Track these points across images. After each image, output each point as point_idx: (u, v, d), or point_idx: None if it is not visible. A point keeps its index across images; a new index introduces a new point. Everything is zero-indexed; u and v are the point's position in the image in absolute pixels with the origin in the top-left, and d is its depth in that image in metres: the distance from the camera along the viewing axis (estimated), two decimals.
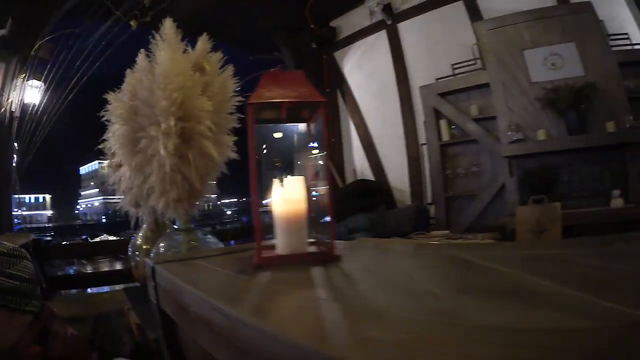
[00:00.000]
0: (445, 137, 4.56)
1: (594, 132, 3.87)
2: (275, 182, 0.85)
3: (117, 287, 3.28)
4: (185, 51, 1.45)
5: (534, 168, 4.00)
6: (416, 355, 0.34)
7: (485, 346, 0.35)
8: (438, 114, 4.61)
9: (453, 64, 4.60)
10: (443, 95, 4.58)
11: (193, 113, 1.35)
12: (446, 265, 0.77)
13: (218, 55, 1.50)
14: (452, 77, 4.60)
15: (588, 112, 3.90)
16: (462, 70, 4.57)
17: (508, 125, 4.19)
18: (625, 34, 4.18)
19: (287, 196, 0.84)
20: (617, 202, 3.67)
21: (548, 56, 4.24)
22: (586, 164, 3.91)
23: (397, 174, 5.08)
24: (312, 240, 0.90)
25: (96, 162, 59.41)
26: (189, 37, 1.46)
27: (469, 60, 4.56)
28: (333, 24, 5.68)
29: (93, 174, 64.25)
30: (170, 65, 1.33)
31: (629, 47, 4.10)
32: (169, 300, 0.80)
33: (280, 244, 0.85)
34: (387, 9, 5.24)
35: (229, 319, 0.51)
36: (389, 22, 5.21)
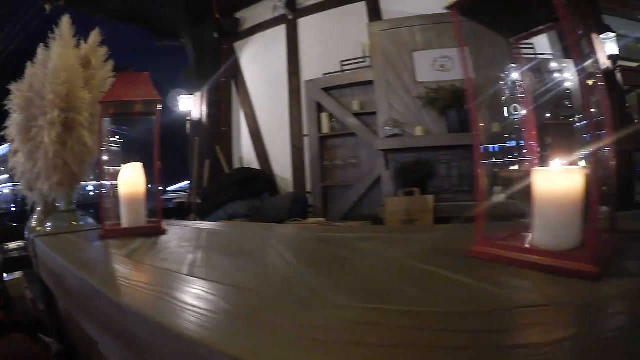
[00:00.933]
0: (325, 129, 4.43)
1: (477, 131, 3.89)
2: (122, 168, 0.99)
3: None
4: (78, 44, 1.57)
5: (410, 162, 3.92)
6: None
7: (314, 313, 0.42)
8: (320, 108, 4.48)
9: (342, 61, 4.48)
10: (327, 89, 4.45)
11: (75, 104, 1.46)
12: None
13: (104, 49, 1.64)
14: (340, 73, 4.47)
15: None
16: (350, 67, 4.46)
17: (386, 121, 4.11)
18: (531, 43, 4.35)
19: (128, 180, 0.99)
20: (498, 197, 3.56)
21: (438, 58, 4.22)
22: (467, 161, 3.89)
23: (281, 163, 4.90)
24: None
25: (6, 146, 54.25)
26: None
27: (358, 58, 4.43)
28: (239, 15, 5.37)
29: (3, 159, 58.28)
30: (59, 61, 1.45)
31: (532, 56, 4.14)
32: (45, 268, 0.96)
33: (124, 219, 1.03)
34: (291, 4, 5.16)
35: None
36: (290, 17, 4.96)
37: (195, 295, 0.48)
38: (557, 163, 0.63)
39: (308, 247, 0.89)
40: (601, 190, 0.66)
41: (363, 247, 0.80)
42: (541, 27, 0.78)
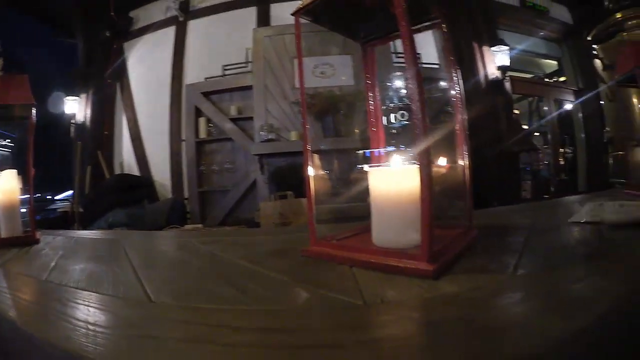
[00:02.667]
0: (203, 134, 4.24)
1: (352, 135, 3.84)
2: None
3: None
4: None
5: (284, 166, 3.84)
6: None
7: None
8: (199, 112, 4.30)
9: (224, 65, 4.35)
10: (207, 94, 4.30)
11: None
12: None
13: None
14: (221, 78, 4.33)
15: (351, 117, 3.87)
16: (232, 72, 4.33)
17: (261, 126, 3.97)
18: (418, 53, 4.31)
19: (1, 188, 0.97)
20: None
21: (319, 65, 4.14)
22: (344, 165, 3.81)
23: (161, 169, 4.66)
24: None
25: None
26: None
27: (240, 63, 4.31)
28: (133, 13, 5.07)
29: None
30: None
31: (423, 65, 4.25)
32: None
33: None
34: (184, 5, 5.00)
35: None
36: (181, 19, 4.84)
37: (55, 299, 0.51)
38: (396, 162, 0.61)
39: (155, 252, 0.92)
40: (452, 188, 0.80)
41: (204, 250, 0.82)
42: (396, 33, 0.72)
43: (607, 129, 4.24)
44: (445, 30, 0.76)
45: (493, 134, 4.23)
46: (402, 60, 4.28)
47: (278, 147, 3.84)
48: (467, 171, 0.81)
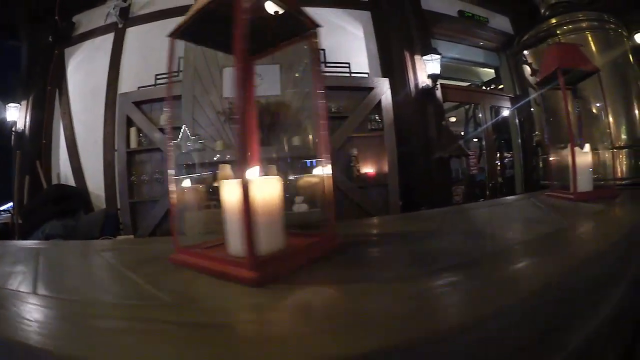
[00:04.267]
0: (133, 144, 4.26)
1: (278, 145, 3.90)
2: None
3: None
4: None
5: (210, 176, 3.86)
6: None
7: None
8: (130, 122, 4.29)
9: (157, 74, 4.35)
10: (139, 103, 4.28)
11: None
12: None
13: None
14: (154, 87, 4.32)
15: (275, 126, 3.93)
16: (164, 81, 4.32)
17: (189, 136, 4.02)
18: (347, 63, 4.38)
19: None
20: (300, 207, 3.57)
21: None
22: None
23: (95, 179, 4.64)
24: None
25: None
26: None
27: (173, 72, 4.36)
28: (76, 18, 5.05)
29: None
30: None
31: (347, 74, 4.37)
32: None
33: None
34: (125, 12, 5.00)
35: None
36: (120, 26, 4.89)
37: None
38: (254, 173, 0.67)
39: (60, 258, 0.97)
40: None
41: (100, 257, 0.91)
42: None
43: (537, 132, 4.35)
44: (316, 42, 0.83)
45: (423, 140, 4.32)
46: (331, 69, 4.37)
47: (204, 156, 3.89)
48: (328, 181, 0.84)
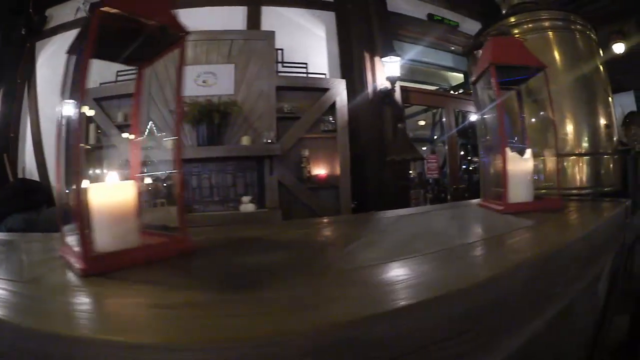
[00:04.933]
0: (92, 141, 4.32)
1: (230, 144, 4.00)
2: None
3: None
4: None
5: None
6: None
7: None
8: (90, 118, 4.34)
9: (118, 71, 4.36)
10: (99, 100, 4.32)
11: None
12: None
13: None
14: (114, 84, 4.35)
15: (226, 126, 4.01)
16: (125, 77, 4.31)
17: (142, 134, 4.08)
18: (305, 63, 4.39)
19: None
20: (247, 207, 3.69)
21: (202, 74, 4.22)
22: (220, 173, 4.01)
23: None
24: None
25: None
26: None
27: (131, 69, 4.38)
28: (49, 11, 5.11)
29: None
30: None
31: (304, 75, 4.37)
32: None
33: None
34: (94, 6, 5.04)
35: None
36: None
37: None
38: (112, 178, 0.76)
39: None
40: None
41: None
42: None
43: (487, 137, 4.30)
44: (183, 49, 0.89)
45: (378, 143, 4.30)
46: (288, 69, 4.36)
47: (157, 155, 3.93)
48: (179, 184, 0.91)
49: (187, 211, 3.85)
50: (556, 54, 3.19)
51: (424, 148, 5.36)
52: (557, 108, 3.05)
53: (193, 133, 3.99)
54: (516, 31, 3.64)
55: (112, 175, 0.77)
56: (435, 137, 5.12)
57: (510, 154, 1.27)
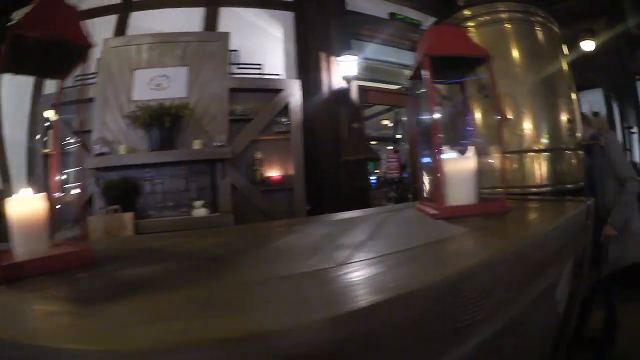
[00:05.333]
0: (50, 147, 4.35)
1: (182, 148, 3.98)
2: None
3: None
4: None
5: (114, 180, 3.93)
6: None
7: None
8: (50, 125, 4.36)
9: (77, 75, 4.45)
10: (56, 106, 4.36)
11: None
12: None
13: None
14: (71, 88, 4.41)
15: (179, 130, 4.00)
16: (82, 82, 4.38)
17: (96, 139, 4.08)
18: (259, 64, 4.38)
19: None
20: (199, 212, 3.75)
21: (156, 77, 4.22)
22: (173, 177, 4.01)
23: (20, 180, 4.59)
24: None
25: None
26: None
27: (89, 74, 4.40)
28: (16, 14, 5.34)
29: None
30: None
31: (259, 76, 4.35)
32: None
33: None
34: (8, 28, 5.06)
35: None
36: None
37: None
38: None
39: None
40: None
41: None
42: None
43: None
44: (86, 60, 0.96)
45: (333, 143, 4.29)
46: (243, 71, 4.36)
47: (109, 160, 3.95)
48: (82, 194, 1.02)
49: (142, 217, 3.90)
50: (514, 47, 2.81)
51: (390, 147, 5.33)
52: (514, 103, 2.64)
53: (145, 138, 3.98)
54: (471, 24, 3.38)
55: (25, 189, 0.83)
56: (398, 136, 5.08)
57: (449, 153, 1.18)
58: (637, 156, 5.43)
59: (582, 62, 5.05)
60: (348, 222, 1.30)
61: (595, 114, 4.66)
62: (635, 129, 5.32)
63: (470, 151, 1.17)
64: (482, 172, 1.35)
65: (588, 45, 5.00)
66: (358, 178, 4.22)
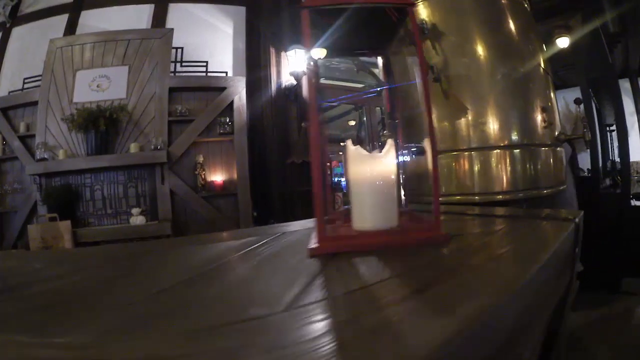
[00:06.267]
0: None
1: (119, 152, 3.87)
2: None
3: None
4: None
5: (54, 187, 3.88)
6: None
7: None
8: None
9: (25, 78, 4.26)
10: (5, 109, 4.23)
11: None
12: None
13: None
14: (21, 92, 4.26)
15: (116, 133, 3.89)
16: (32, 85, 4.24)
17: (38, 144, 3.96)
18: (205, 62, 4.19)
19: None
20: (136, 220, 3.60)
21: (97, 77, 4.08)
22: (112, 183, 3.91)
23: None
24: None
25: None
26: None
27: (37, 76, 4.21)
28: None
29: None
30: None
31: (203, 74, 4.18)
32: None
33: None
34: (14, 10, 4.99)
35: None
36: (8, 25, 4.93)
37: None
38: None
39: None
40: None
41: None
42: None
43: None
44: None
45: (282, 145, 4.07)
46: (187, 69, 4.16)
47: (49, 166, 3.85)
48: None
49: (82, 225, 3.79)
50: (472, 20, 2.17)
51: None
52: (473, 87, 2.00)
53: (84, 142, 3.85)
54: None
55: None
56: (359, 136, 4.81)
57: (351, 150, 0.74)
58: (616, 155, 5.01)
59: (558, 59, 4.65)
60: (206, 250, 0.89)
61: (578, 101, 4.29)
62: (614, 127, 4.89)
63: (388, 147, 0.74)
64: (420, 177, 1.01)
65: (563, 42, 4.60)
66: (304, 182, 3.97)
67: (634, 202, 4.29)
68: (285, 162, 3.96)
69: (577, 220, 0.85)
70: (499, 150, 1.99)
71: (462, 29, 2.21)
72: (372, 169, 0.73)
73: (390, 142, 0.75)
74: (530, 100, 2.29)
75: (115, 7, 4.50)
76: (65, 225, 3.65)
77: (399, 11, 0.88)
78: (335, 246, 0.68)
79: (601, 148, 5.05)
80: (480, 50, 2.16)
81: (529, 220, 1.01)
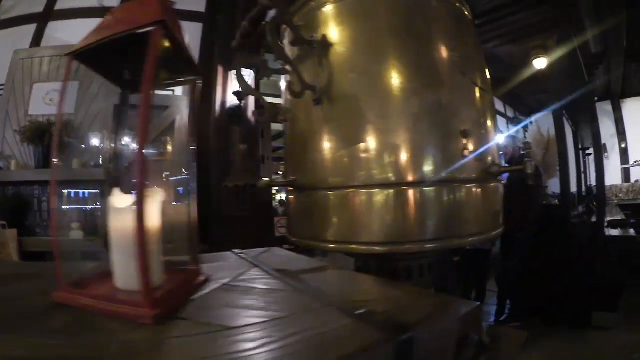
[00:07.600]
0: None
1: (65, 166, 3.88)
2: None
3: None
4: None
5: (8, 196, 4.04)
6: None
7: None
8: None
9: None
10: None
11: None
12: None
13: None
14: None
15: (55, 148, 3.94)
16: None
17: None
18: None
19: None
20: (75, 234, 3.68)
21: (50, 91, 4.21)
22: (57, 197, 3.89)
23: None
24: None
25: None
26: None
27: (1, 86, 4.40)
28: None
29: None
30: None
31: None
32: None
33: None
34: None
35: None
36: None
37: None
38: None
39: None
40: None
41: None
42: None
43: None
44: None
45: (223, 168, 4.06)
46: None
47: (1, 175, 4.03)
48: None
49: (28, 235, 3.94)
50: (385, 28, 1.13)
51: None
52: (372, 109, 1.13)
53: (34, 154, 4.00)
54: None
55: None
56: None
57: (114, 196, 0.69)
58: (593, 179, 4.67)
59: (535, 83, 4.36)
60: None
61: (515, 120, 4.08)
62: (591, 151, 4.55)
63: (158, 194, 0.66)
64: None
65: (540, 63, 4.30)
66: (238, 207, 3.94)
67: (609, 232, 4.01)
68: (226, 185, 3.94)
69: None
70: (402, 188, 1.52)
71: (370, 38, 1.41)
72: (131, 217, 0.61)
73: (156, 189, 0.69)
74: (452, 125, 1.69)
75: (79, 20, 4.58)
76: (12, 233, 3.80)
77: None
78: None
79: (577, 173, 4.74)
80: (389, 64, 1.46)
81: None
